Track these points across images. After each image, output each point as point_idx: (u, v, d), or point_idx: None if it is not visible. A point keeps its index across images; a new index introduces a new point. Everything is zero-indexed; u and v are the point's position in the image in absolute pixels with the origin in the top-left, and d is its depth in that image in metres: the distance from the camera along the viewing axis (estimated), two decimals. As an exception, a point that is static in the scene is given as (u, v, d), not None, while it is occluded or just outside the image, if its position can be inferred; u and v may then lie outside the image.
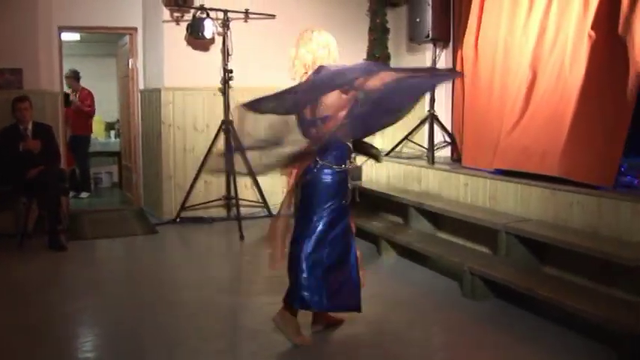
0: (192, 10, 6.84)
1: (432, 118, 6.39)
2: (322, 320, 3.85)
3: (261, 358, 3.55)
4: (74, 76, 8.80)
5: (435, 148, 6.29)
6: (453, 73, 4.38)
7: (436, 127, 6.43)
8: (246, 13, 7.18)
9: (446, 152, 6.58)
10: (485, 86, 5.68)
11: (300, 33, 3.65)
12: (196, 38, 6.90)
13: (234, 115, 3.60)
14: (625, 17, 4.32)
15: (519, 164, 5.03)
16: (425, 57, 6.97)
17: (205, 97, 7.23)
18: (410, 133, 6.68)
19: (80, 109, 8.75)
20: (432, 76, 3.88)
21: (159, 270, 5.54)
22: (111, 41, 9.25)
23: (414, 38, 6.76)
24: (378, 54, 7.71)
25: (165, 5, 6.92)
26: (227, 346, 3.83)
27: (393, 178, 6.49)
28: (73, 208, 7.81)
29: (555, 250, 4.29)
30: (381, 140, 6.84)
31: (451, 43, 6.64)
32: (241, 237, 6.34)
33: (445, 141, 6.53)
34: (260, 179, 7.20)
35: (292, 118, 3.51)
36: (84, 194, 8.99)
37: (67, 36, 8.19)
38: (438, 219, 5.59)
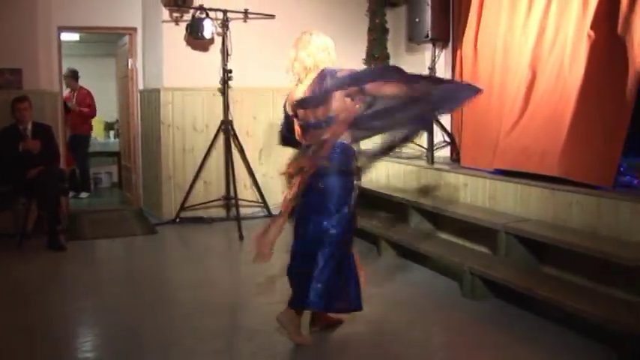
0: (192, 10, 6.84)
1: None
2: (322, 320, 3.85)
3: (259, 358, 3.54)
4: (72, 76, 8.78)
5: (435, 148, 6.28)
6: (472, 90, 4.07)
7: (435, 127, 6.43)
8: (246, 13, 7.18)
9: (445, 152, 6.58)
10: (485, 86, 5.65)
11: (298, 36, 3.67)
12: (196, 38, 6.90)
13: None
14: (624, 17, 4.33)
15: (519, 164, 5.04)
16: (424, 57, 6.98)
17: (205, 97, 7.23)
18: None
19: (81, 113, 8.72)
20: (447, 97, 3.63)
21: (158, 270, 5.54)
22: (110, 41, 9.24)
23: (414, 38, 6.76)
24: (377, 54, 7.72)
25: (165, 5, 6.92)
26: (225, 346, 3.83)
27: (393, 177, 6.49)
28: (73, 209, 7.81)
29: (555, 250, 4.30)
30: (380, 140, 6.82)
31: (450, 43, 6.64)
32: (241, 237, 6.34)
33: (444, 141, 6.53)
34: (260, 179, 7.22)
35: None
36: (83, 194, 8.99)
37: (66, 36, 8.18)
38: (437, 219, 5.59)
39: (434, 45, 6.54)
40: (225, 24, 6.83)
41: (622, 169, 4.61)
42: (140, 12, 7.68)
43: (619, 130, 4.36)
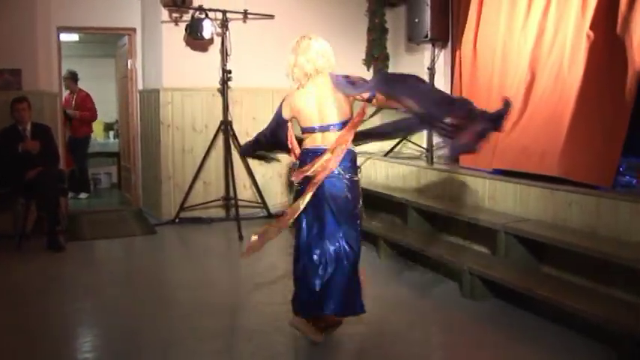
0: (191, 11, 6.84)
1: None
2: (322, 321, 3.84)
3: (259, 358, 3.54)
4: (72, 77, 8.76)
5: (434, 148, 6.28)
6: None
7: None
8: (245, 13, 7.18)
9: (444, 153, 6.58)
10: (484, 87, 5.68)
11: (297, 40, 3.66)
12: (195, 39, 6.90)
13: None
14: (623, 17, 4.33)
15: (518, 164, 5.04)
16: (423, 57, 6.98)
17: (204, 97, 7.23)
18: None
19: (82, 117, 8.70)
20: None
21: (158, 270, 5.54)
22: (110, 42, 9.25)
23: (413, 38, 6.76)
24: (376, 54, 7.73)
25: (164, 6, 6.92)
26: (225, 346, 3.83)
27: (392, 178, 6.49)
28: (72, 209, 7.81)
29: (554, 250, 4.29)
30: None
31: (450, 43, 6.64)
32: (240, 237, 6.34)
33: (444, 141, 6.52)
34: (259, 180, 7.22)
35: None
36: (83, 195, 8.98)
37: (65, 37, 8.18)
38: (437, 219, 5.59)
39: (433, 45, 6.53)
40: (224, 24, 6.84)
41: (621, 169, 4.60)
42: (139, 12, 7.68)
43: (618, 130, 4.36)
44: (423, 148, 6.40)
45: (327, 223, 3.54)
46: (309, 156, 3.58)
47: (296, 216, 3.58)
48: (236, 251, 6.13)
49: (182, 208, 6.97)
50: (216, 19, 6.89)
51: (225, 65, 6.85)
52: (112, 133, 10.27)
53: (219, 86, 6.95)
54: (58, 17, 7.22)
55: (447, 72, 6.73)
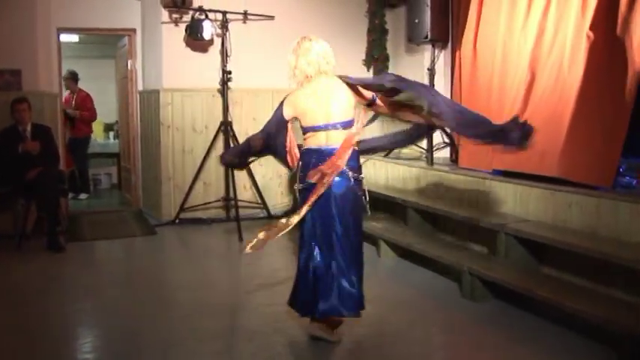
0: (191, 12, 6.84)
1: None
2: (323, 320, 3.83)
3: (259, 359, 3.54)
4: (72, 78, 8.77)
5: (434, 149, 6.28)
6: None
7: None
8: (245, 14, 7.18)
9: (445, 153, 6.58)
10: (484, 87, 5.68)
11: (297, 42, 3.67)
12: (195, 39, 6.90)
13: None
14: (623, 18, 4.33)
15: (518, 165, 5.03)
16: (423, 58, 6.99)
17: (204, 98, 7.23)
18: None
19: (82, 116, 8.71)
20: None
21: (158, 271, 5.54)
22: (110, 43, 9.26)
23: (413, 39, 6.76)
24: (376, 55, 7.73)
25: (164, 7, 6.92)
26: (225, 347, 3.83)
27: (392, 179, 6.49)
28: (72, 210, 7.81)
29: (554, 250, 4.29)
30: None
31: (450, 44, 6.64)
32: (240, 238, 6.33)
33: (444, 142, 6.53)
34: (259, 181, 7.22)
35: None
36: (83, 195, 8.98)
37: (65, 37, 8.19)
38: (437, 220, 5.59)
39: (433, 46, 6.54)
40: (224, 25, 6.84)
41: (621, 169, 4.60)
42: (139, 13, 7.69)
43: (618, 131, 4.36)
44: (423, 148, 6.40)
45: (331, 222, 3.55)
46: (314, 156, 3.58)
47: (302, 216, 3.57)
48: (236, 252, 6.13)
49: (182, 208, 6.97)
50: (216, 20, 6.89)
51: (225, 66, 6.85)
52: (112, 134, 10.27)
53: (219, 87, 6.95)
54: (58, 18, 7.23)
55: (446, 72, 6.73)
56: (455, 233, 5.40)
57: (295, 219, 3.54)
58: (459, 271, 4.62)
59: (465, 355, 3.73)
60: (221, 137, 6.92)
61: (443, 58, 6.73)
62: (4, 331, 4.00)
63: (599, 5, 4.54)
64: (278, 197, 7.55)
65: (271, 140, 3.80)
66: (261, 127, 3.91)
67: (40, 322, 4.16)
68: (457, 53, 6.16)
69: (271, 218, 7.06)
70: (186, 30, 6.90)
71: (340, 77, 3.65)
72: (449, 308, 4.37)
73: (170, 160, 7.21)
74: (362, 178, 3.67)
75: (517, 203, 4.87)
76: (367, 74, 7.65)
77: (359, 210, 3.68)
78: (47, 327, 4.08)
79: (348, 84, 3.62)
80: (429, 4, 6.36)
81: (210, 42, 7.03)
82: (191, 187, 7.03)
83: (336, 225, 3.55)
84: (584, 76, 4.59)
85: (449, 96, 6.62)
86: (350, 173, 3.57)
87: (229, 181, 6.91)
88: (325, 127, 3.56)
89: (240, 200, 6.84)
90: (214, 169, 7.20)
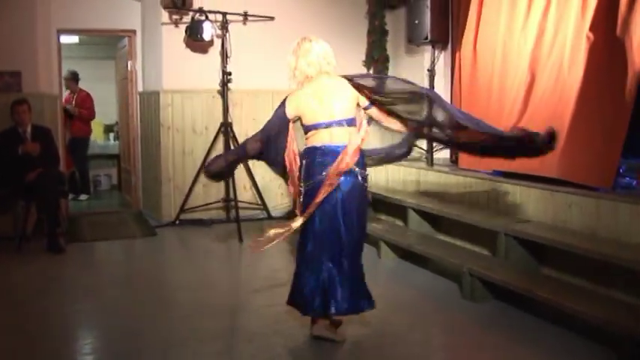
0: (191, 13, 6.84)
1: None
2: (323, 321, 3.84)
3: (259, 360, 3.55)
4: (73, 78, 8.78)
5: (434, 149, 6.28)
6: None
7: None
8: (245, 15, 7.18)
9: (445, 154, 6.58)
10: (484, 88, 5.68)
11: (297, 42, 3.67)
12: (195, 40, 6.91)
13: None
14: (623, 19, 4.33)
15: (518, 165, 5.03)
16: (423, 59, 6.99)
17: (204, 99, 7.24)
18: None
19: (80, 114, 8.72)
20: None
21: (158, 272, 5.54)
22: (110, 44, 9.27)
23: (413, 40, 6.76)
24: (376, 56, 7.73)
25: (164, 8, 6.92)
26: (225, 348, 3.83)
27: (392, 180, 6.49)
28: (72, 211, 7.82)
29: (554, 251, 4.29)
30: (380, 142, 6.84)
31: (450, 45, 6.64)
32: (240, 239, 6.33)
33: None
34: (259, 182, 7.22)
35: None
36: (83, 197, 8.98)
37: (65, 38, 8.19)
38: (437, 221, 5.59)
39: (433, 47, 6.54)
40: (224, 26, 6.84)
41: (621, 170, 4.60)
42: (139, 14, 7.69)
43: (618, 132, 4.36)
44: (423, 149, 6.40)
45: (340, 220, 3.56)
46: (318, 153, 3.56)
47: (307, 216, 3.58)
48: (236, 253, 6.13)
49: (182, 209, 6.97)
50: (216, 21, 6.89)
51: (225, 67, 6.85)
52: (112, 135, 10.28)
53: (219, 88, 6.95)
54: (58, 19, 7.23)
55: (447, 73, 6.74)
56: (455, 234, 5.40)
57: (302, 219, 3.54)
58: (459, 272, 4.62)
59: (465, 356, 3.73)
60: (221, 138, 6.92)
61: (443, 59, 6.73)
62: (4, 331, 4.00)
63: (598, 6, 4.54)
64: (278, 198, 7.54)
65: (271, 143, 3.74)
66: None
67: (40, 322, 4.16)
68: (457, 54, 6.16)
69: (271, 219, 7.06)
70: (186, 31, 6.91)
71: (344, 77, 3.66)
72: (449, 309, 4.37)
73: (170, 161, 7.21)
74: (367, 175, 3.68)
75: (517, 204, 4.87)
76: (365, 74, 7.65)
77: (365, 207, 3.73)
78: (47, 327, 4.08)
79: (353, 84, 3.64)
80: (429, 5, 6.36)
81: (210, 43, 7.03)
82: (191, 188, 7.03)
83: (344, 222, 3.56)
84: (584, 76, 4.59)
85: (449, 96, 6.63)
86: (357, 170, 3.58)
87: (229, 182, 6.91)
88: (329, 125, 3.55)
89: (240, 201, 6.84)
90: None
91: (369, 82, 3.71)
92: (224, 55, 6.84)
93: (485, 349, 3.69)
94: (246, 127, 7.26)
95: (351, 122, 3.59)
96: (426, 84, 6.57)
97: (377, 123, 3.74)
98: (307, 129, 3.64)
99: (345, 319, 3.83)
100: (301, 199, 3.65)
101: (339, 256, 3.58)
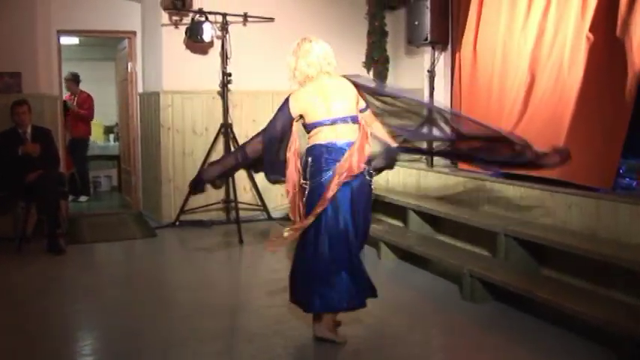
0: (191, 14, 6.84)
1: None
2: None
3: (259, 361, 3.55)
4: (74, 79, 8.78)
5: (434, 150, 6.27)
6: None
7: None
8: (245, 16, 7.18)
9: (445, 155, 6.58)
10: (484, 88, 5.69)
11: (297, 43, 3.66)
12: (195, 42, 6.91)
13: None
14: (623, 19, 4.33)
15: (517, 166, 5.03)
16: (423, 59, 6.98)
17: (204, 100, 7.23)
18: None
19: (78, 114, 8.72)
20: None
21: (158, 273, 5.54)
22: (110, 45, 9.26)
23: (413, 41, 6.76)
24: (376, 57, 7.72)
25: (164, 9, 6.92)
26: (225, 348, 3.83)
27: (392, 180, 6.49)
28: (72, 212, 7.81)
29: (554, 252, 4.29)
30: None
31: (449, 46, 6.64)
32: (240, 240, 6.33)
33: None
34: (259, 183, 7.21)
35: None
36: (83, 198, 8.97)
37: (65, 40, 8.19)
38: (437, 222, 5.59)
39: (433, 48, 6.54)
40: (224, 27, 6.84)
41: (621, 171, 4.61)
42: (139, 15, 7.69)
43: (618, 132, 4.36)
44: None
45: (351, 216, 3.57)
46: (324, 151, 3.54)
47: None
48: (236, 254, 6.13)
49: (182, 211, 6.96)
50: (216, 22, 6.89)
51: (225, 68, 6.85)
52: (112, 136, 10.28)
53: (219, 89, 6.95)
54: (58, 20, 7.23)
55: (446, 74, 6.73)
56: (455, 235, 5.39)
57: (311, 218, 3.52)
58: (459, 273, 4.62)
59: (465, 356, 3.73)
60: (221, 139, 6.92)
61: (443, 60, 6.73)
62: (4, 331, 4.00)
63: (598, 6, 4.54)
64: (278, 199, 7.53)
65: (273, 144, 3.69)
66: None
67: (40, 322, 4.16)
68: (457, 55, 6.16)
69: (271, 220, 7.06)
70: (186, 32, 6.91)
71: (346, 77, 3.67)
72: (449, 310, 4.37)
73: (170, 162, 7.21)
74: (373, 172, 3.69)
75: (517, 205, 4.87)
76: (367, 76, 7.65)
77: (370, 204, 3.74)
78: (47, 327, 4.08)
79: (353, 84, 3.65)
80: (428, 6, 6.36)
81: (210, 44, 7.03)
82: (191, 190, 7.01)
83: (353, 219, 3.57)
84: (584, 77, 4.59)
85: (449, 98, 6.63)
86: (365, 168, 3.58)
87: (229, 183, 6.90)
88: (333, 122, 3.54)
89: (241, 202, 6.84)
90: (214, 171, 7.18)
91: (370, 84, 3.74)
92: (224, 56, 6.84)
93: (485, 350, 3.69)
94: (246, 128, 7.26)
95: (355, 119, 3.59)
96: (426, 85, 6.58)
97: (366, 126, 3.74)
98: (311, 127, 3.60)
99: (344, 320, 3.84)
100: (305, 199, 3.60)
101: (348, 252, 3.57)
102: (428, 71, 6.50)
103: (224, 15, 6.84)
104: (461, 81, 6.04)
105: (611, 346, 3.52)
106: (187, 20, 6.93)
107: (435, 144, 4.10)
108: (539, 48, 5.07)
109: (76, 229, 6.98)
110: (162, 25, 7.07)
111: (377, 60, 7.73)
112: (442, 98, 6.68)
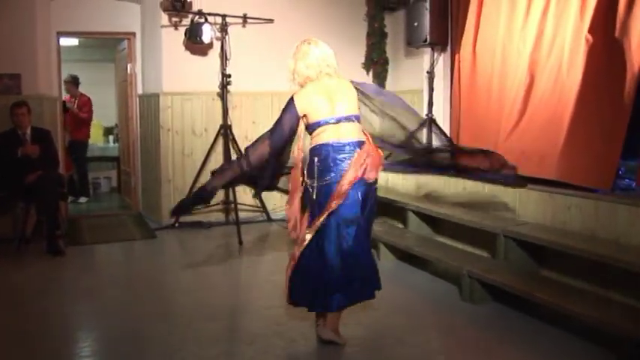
0: (191, 15, 6.84)
1: (431, 121, 6.39)
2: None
3: (259, 362, 3.55)
4: (73, 82, 8.77)
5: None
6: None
7: (434, 131, 6.43)
8: (244, 17, 7.19)
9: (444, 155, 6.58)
10: (483, 90, 5.69)
11: (297, 45, 3.66)
12: (194, 43, 6.91)
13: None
14: (622, 21, 4.34)
15: (517, 167, 5.04)
16: (422, 61, 6.99)
17: (204, 101, 7.24)
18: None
19: (77, 115, 8.72)
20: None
21: (157, 274, 5.54)
22: (109, 46, 9.27)
23: (412, 42, 6.77)
24: (375, 58, 7.74)
25: (164, 10, 6.92)
26: (225, 349, 3.82)
27: (392, 181, 6.49)
28: (72, 213, 7.82)
29: (553, 253, 4.30)
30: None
31: (449, 47, 6.65)
32: (240, 242, 6.33)
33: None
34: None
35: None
36: (82, 199, 8.98)
37: (65, 41, 8.20)
38: (436, 223, 5.59)
39: (432, 49, 6.55)
40: (224, 28, 6.84)
41: (620, 172, 4.61)
42: (139, 17, 7.70)
43: (617, 133, 4.37)
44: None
45: (362, 212, 3.57)
46: (330, 150, 3.51)
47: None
48: (236, 255, 6.13)
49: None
50: (215, 24, 6.90)
51: (225, 69, 6.85)
52: (111, 138, 10.28)
53: (218, 90, 6.96)
54: (57, 22, 7.24)
55: (446, 75, 6.74)
56: (454, 236, 5.40)
57: (324, 216, 3.50)
58: (458, 273, 4.63)
59: (464, 357, 3.72)
60: (221, 140, 6.92)
61: (442, 61, 6.74)
62: (4, 331, 4.00)
63: (597, 8, 4.55)
64: (277, 200, 7.54)
65: (281, 147, 3.68)
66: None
67: (40, 323, 4.16)
68: (456, 56, 6.17)
69: (271, 221, 7.07)
70: (185, 33, 6.91)
71: (351, 82, 3.71)
72: (448, 311, 4.37)
73: (170, 163, 7.22)
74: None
75: (516, 206, 4.87)
76: (366, 78, 7.67)
77: (376, 201, 3.76)
78: (47, 328, 4.08)
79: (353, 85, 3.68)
80: (428, 7, 6.37)
81: (210, 45, 7.04)
82: (191, 190, 7.01)
83: (364, 215, 3.59)
84: (583, 78, 4.60)
85: (448, 99, 6.64)
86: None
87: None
88: (338, 120, 3.53)
89: (240, 204, 6.84)
90: (214, 173, 7.19)
91: (367, 89, 3.77)
92: (223, 58, 6.84)
93: (485, 351, 3.69)
94: (246, 129, 7.28)
95: (358, 118, 3.61)
96: (425, 86, 6.59)
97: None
98: (315, 126, 3.56)
99: (344, 321, 3.84)
100: (314, 197, 3.55)
101: (360, 247, 3.56)
102: (427, 72, 6.51)
103: (223, 16, 6.85)
104: (460, 82, 6.05)
105: (610, 347, 3.52)
106: (187, 21, 6.94)
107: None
108: (539, 49, 5.08)
109: (76, 230, 6.99)
110: (162, 26, 7.07)
111: (376, 61, 7.74)
112: (442, 99, 6.70)
